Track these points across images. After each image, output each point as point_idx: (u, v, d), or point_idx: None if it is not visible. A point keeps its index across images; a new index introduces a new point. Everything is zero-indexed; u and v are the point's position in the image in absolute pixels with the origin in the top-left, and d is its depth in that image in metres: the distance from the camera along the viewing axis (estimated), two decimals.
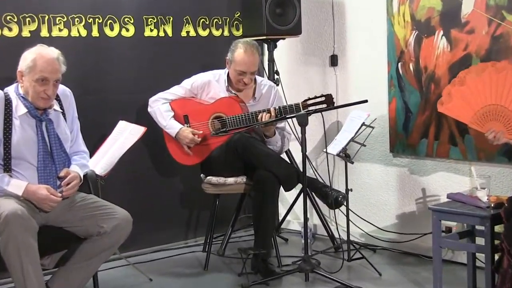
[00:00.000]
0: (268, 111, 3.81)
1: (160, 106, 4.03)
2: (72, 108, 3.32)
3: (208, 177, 3.99)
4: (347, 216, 4.10)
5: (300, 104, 3.76)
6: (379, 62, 4.31)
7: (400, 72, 4.20)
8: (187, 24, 4.54)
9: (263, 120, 3.78)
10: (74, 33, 4.08)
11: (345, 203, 3.95)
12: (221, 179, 3.95)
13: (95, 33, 4.16)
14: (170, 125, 3.99)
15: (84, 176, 3.25)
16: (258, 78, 4.15)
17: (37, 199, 3.02)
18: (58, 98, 3.22)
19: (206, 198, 4.25)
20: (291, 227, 4.90)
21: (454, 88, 3.45)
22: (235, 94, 4.04)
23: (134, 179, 4.38)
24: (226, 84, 4.05)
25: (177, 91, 4.09)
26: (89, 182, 3.31)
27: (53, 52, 3.10)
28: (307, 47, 4.79)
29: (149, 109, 4.09)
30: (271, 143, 3.99)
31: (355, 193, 4.28)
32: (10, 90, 3.14)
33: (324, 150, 4.15)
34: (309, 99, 3.76)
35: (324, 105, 3.74)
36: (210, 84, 4.07)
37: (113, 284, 3.80)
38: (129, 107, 4.29)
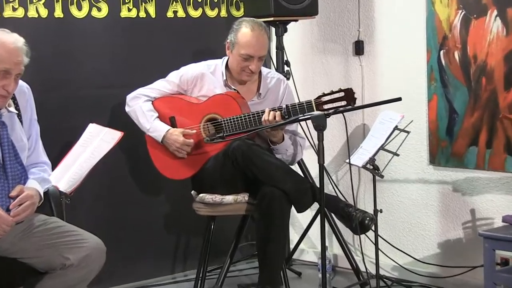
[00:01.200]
0: (275, 110, 3.80)
1: (142, 104, 4.05)
2: (30, 109, 3.30)
3: (201, 195, 3.99)
4: (376, 244, 4.09)
5: (313, 102, 3.76)
6: (415, 50, 4.32)
7: (443, 62, 4.21)
8: (174, 2, 4.55)
9: (268, 122, 3.78)
10: (31, 13, 4.09)
11: (373, 228, 3.94)
12: (217, 198, 3.95)
13: (58, 13, 4.17)
14: (155, 127, 4.00)
15: (44, 193, 3.23)
16: (264, 70, 4.16)
17: None
18: (12, 97, 3.21)
19: (198, 221, 4.25)
20: (305, 258, 4.91)
21: None
22: (235, 90, 4.04)
23: (108, 197, 4.39)
24: (224, 78, 4.05)
25: (161, 86, 4.10)
26: (51, 201, 3.30)
27: (17, 40, 3.08)
28: (325, 31, 4.79)
29: (127, 109, 4.10)
30: (279, 151, 3.99)
31: (385, 214, 4.27)
32: None
33: (347, 160, 4.14)
34: (324, 95, 3.76)
35: (344, 103, 3.73)
36: (204, 78, 4.08)
37: None
38: (101, 106, 4.30)
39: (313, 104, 3.75)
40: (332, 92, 3.75)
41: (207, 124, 3.98)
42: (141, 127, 4.04)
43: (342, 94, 3.74)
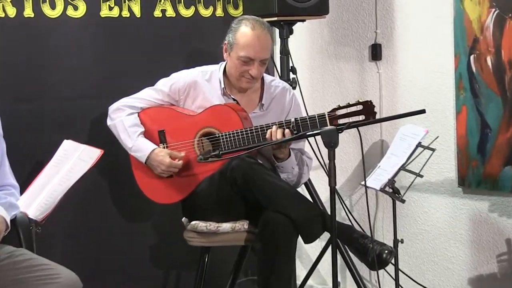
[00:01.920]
0: (282, 126, 3.80)
1: (124, 118, 4.04)
2: None
3: (193, 222, 3.98)
4: (396, 280, 4.08)
5: (326, 116, 3.76)
6: (441, 55, 4.33)
7: (473, 69, 4.21)
8: (162, 0, 4.56)
9: (273, 138, 3.78)
10: None
11: (393, 262, 3.93)
12: (212, 225, 3.93)
13: (28, 12, 4.18)
14: (138, 146, 4.00)
15: (11, 221, 3.22)
16: (267, 77, 4.16)
17: None
18: None
19: (190, 253, 4.24)
20: None
21: None
22: (234, 99, 4.03)
23: (86, 225, 4.39)
24: (222, 85, 4.05)
25: (149, 96, 4.09)
26: (20, 230, 3.30)
27: None
28: (336, 33, 4.80)
29: (108, 122, 4.09)
30: (285, 169, 3.99)
31: (407, 245, 4.28)
32: None
33: (362, 183, 4.13)
34: (339, 107, 3.76)
35: (361, 117, 3.72)
36: (198, 86, 4.07)
37: None
38: (78, 120, 4.31)
39: (327, 118, 3.75)
40: (349, 105, 3.74)
41: (201, 140, 3.97)
42: (123, 145, 4.04)
43: (360, 107, 3.73)
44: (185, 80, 4.08)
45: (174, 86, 4.08)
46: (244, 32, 3.94)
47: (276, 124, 3.82)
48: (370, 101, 3.75)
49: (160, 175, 3.97)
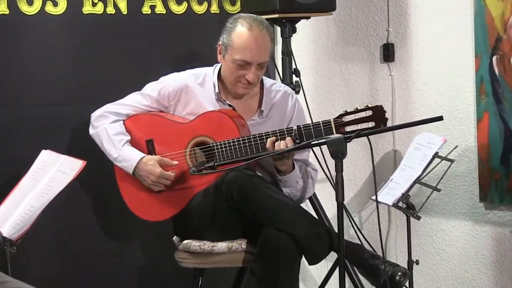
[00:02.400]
0: (283, 134, 3.79)
1: (108, 126, 4.03)
2: None
3: (186, 241, 3.97)
4: None
5: (332, 123, 3.76)
6: (460, 56, 4.35)
7: (496, 71, 4.22)
8: None
9: (274, 147, 3.77)
10: None
11: (407, 285, 3.93)
12: (206, 245, 3.93)
13: (2, 8, 4.19)
14: (124, 156, 3.99)
15: None
16: (267, 81, 4.16)
17: None
18: None
19: (182, 275, 4.24)
20: None
21: None
22: (230, 105, 4.02)
23: (65, 244, 4.38)
24: (217, 90, 4.05)
25: (136, 101, 4.09)
26: None
27: None
28: (344, 31, 4.82)
29: (90, 131, 4.09)
30: (289, 183, 3.99)
31: (423, 267, 4.31)
32: None
33: (373, 197, 4.12)
34: (346, 113, 3.76)
35: (371, 124, 3.72)
36: (190, 91, 4.07)
37: None
38: (58, 128, 4.31)
39: (333, 125, 3.75)
40: (357, 110, 3.74)
41: (194, 150, 3.97)
42: (107, 154, 4.03)
43: (369, 113, 3.73)
44: (176, 84, 4.07)
45: (163, 91, 4.07)
46: (240, 32, 3.93)
47: (277, 133, 3.81)
48: (381, 105, 3.75)
49: (150, 187, 3.96)
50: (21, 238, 3.58)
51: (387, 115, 3.77)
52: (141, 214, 4.03)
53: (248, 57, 3.92)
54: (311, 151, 4.17)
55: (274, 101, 4.12)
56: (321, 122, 3.78)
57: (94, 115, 4.08)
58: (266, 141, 3.81)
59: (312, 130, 3.79)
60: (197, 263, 3.98)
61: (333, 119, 3.76)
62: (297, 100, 4.20)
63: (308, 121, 4.08)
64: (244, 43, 3.92)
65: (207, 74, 4.09)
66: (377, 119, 3.72)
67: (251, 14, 4.05)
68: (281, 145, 3.78)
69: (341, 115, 3.76)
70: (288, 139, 3.78)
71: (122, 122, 4.05)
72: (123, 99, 4.10)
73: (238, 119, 3.97)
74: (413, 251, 4.06)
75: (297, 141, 3.78)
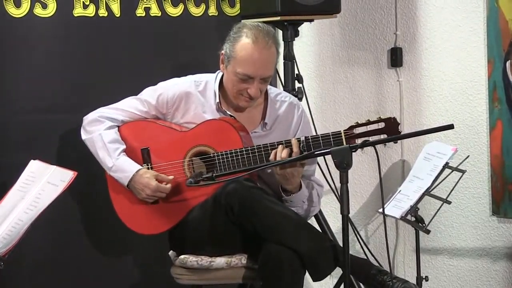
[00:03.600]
0: (289, 145, 3.78)
1: (103, 132, 4.01)
2: None
3: (182, 256, 3.96)
4: None
5: (343, 134, 3.75)
6: (472, 61, 4.36)
7: (510, 77, 4.23)
8: None
9: (277, 157, 3.76)
10: None
11: None
12: (204, 260, 3.92)
13: None
14: (119, 166, 3.97)
15: None
16: (272, 90, 4.15)
17: None
18: None
19: None
20: None
21: None
22: (231, 115, 4.01)
23: (56, 260, 4.39)
24: (217, 100, 4.03)
25: (132, 107, 4.07)
26: None
27: None
28: (350, 35, 4.82)
29: (83, 136, 4.07)
30: (295, 203, 3.98)
31: (433, 283, 4.31)
32: None
33: (380, 210, 4.11)
34: (357, 125, 3.75)
35: (383, 136, 3.72)
36: (190, 98, 4.06)
37: None
38: (47, 137, 4.32)
39: (343, 137, 3.74)
40: (369, 122, 3.73)
41: (192, 160, 3.96)
42: (101, 163, 4.00)
43: (381, 125, 3.73)
44: (175, 90, 4.06)
45: (162, 97, 4.06)
46: (244, 44, 3.90)
47: (282, 143, 3.80)
48: (394, 117, 3.74)
49: (144, 200, 3.95)
50: (9, 253, 3.58)
51: (399, 127, 3.78)
52: (134, 227, 4.01)
53: (251, 71, 3.89)
54: (317, 166, 4.15)
55: (278, 113, 4.09)
56: (331, 134, 3.77)
57: (87, 118, 4.06)
58: (271, 152, 3.81)
59: (321, 141, 3.77)
60: (194, 280, 3.97)
61: (344, 130, 3.75)
62: (304, 111, 4.17)
63: (314, 133, 4.07)
64: (248, 57, 3.89)
65: (209, 82, 4.07)
66: (390, 131, 3.72)
67: (256, 23, 4.01)
68: (284, 153, 3.76)
69: (352, 127, 3.75)
70: (295, 150, 3.76)
71: (116, 128, 4.04)
72: (118, 103, 4.08)
73: (241, 129, 3.96)
74: (422, 267, 4.07)
75: (304, 152, 3.77)
